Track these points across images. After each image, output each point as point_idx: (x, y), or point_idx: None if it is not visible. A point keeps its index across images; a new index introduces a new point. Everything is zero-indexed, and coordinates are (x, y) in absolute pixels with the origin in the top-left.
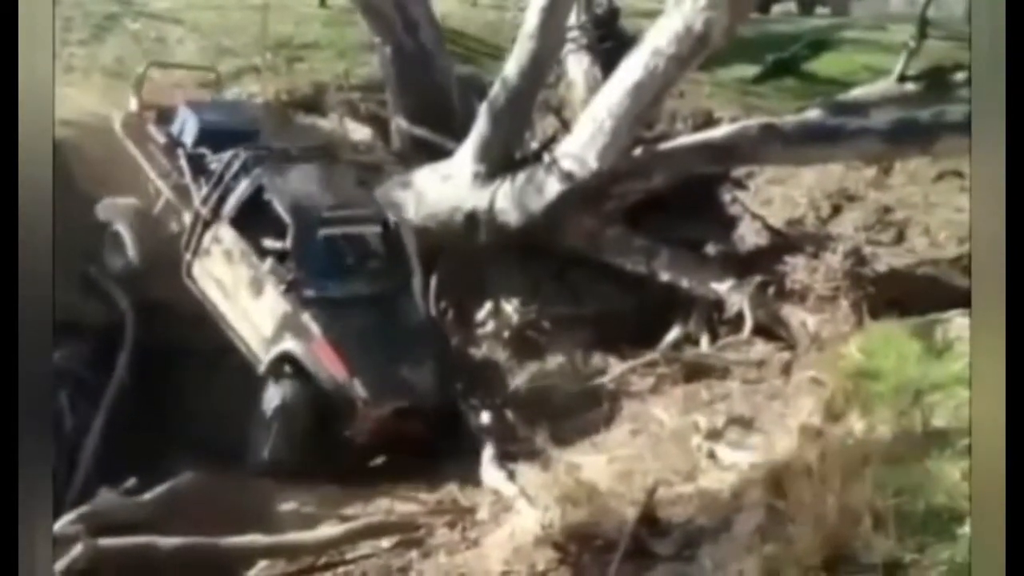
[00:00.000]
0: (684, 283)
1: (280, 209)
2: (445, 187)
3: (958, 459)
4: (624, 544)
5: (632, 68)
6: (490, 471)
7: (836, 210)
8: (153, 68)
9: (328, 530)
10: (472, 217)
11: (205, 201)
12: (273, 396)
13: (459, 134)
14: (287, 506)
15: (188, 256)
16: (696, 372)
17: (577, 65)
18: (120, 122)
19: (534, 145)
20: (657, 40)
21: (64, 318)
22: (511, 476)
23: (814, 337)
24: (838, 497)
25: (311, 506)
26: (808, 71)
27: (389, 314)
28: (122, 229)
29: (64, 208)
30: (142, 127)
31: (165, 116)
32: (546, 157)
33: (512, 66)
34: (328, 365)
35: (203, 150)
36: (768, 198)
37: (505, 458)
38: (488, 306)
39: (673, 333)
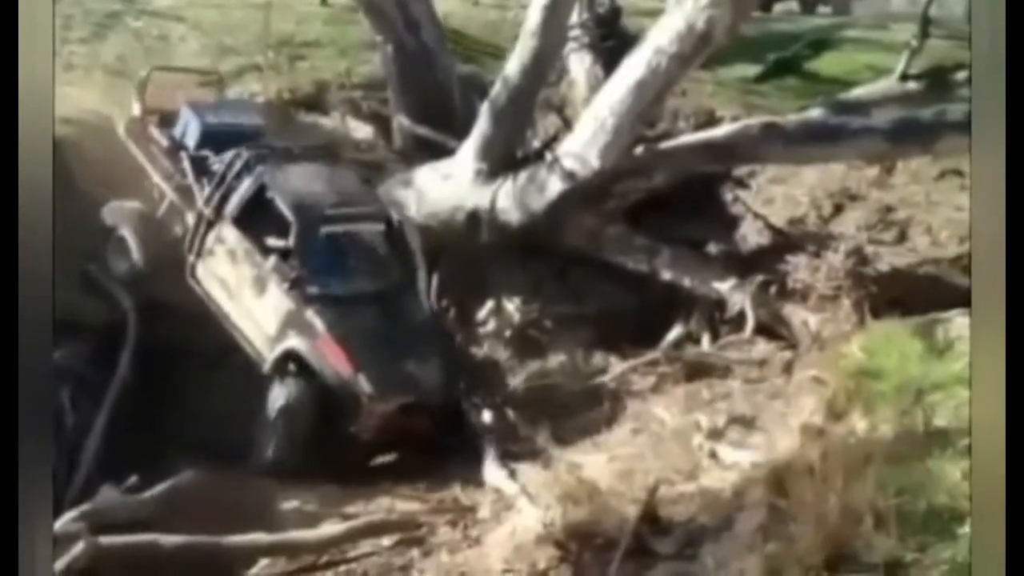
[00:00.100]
0: (686, 282)
1: (283, 207)
2: (446, 186)
3: (959, 459)
4: (625, 543)
5: (634, 66)
6: (491, 469)
7: (838, 209)
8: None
9: (330, 528)
10: (474, 216)
11: (208, 201)
12: (277, 396)
13: (461, 133)
14: (289, 504)
15: (192, 257)
16: (697, 371)
17: (579, 63)
18: (123, 126)
19: (536, 144)
20: (659, 38)
21: (66, 317)
22: (512, 475)
23: (816, 336)
24: (840, 496)
25: (313, 504)
26: (810, 70)
27: (393, 311)
28: (127, 233)
29: (64, 207)
30: (145, 131)
31: (168, 120)
32: (548, 156)
33: (514, 65)
34: (333, 361)
35: (206, 152)
36: (770, 197)
37: (506, 457)
38: (489, 305)
39: (674, 332)
